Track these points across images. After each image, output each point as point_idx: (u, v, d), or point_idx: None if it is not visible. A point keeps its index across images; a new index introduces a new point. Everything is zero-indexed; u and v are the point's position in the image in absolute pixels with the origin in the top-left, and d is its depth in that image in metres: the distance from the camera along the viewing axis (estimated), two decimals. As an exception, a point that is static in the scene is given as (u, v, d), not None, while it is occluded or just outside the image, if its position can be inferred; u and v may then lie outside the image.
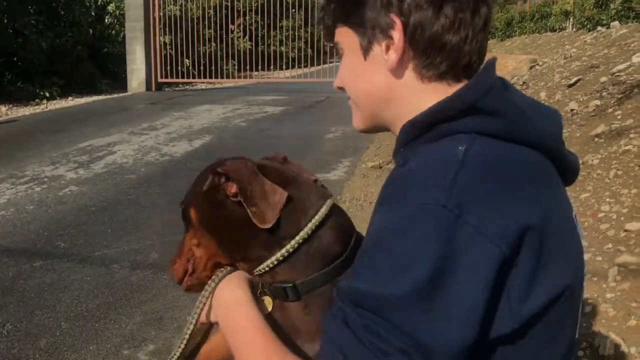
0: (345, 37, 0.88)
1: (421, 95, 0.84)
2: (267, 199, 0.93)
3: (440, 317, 0.66)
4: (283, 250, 0.94)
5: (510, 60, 8.49)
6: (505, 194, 0.72)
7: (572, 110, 4.94)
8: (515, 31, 17.47)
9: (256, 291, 1.00)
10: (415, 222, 0.69)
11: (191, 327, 1.01)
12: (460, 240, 0.67)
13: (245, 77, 15.13)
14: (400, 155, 0.85)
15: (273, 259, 0.95)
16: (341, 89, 0.95)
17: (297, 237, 0.94)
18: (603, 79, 5.30)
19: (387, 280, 0.68)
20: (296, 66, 15.34)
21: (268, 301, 1.00)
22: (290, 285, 0.95)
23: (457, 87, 0.82)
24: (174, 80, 12.95)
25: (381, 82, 0.86)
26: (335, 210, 1.00)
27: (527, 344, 0.74)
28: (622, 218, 2.86)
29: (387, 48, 0.83)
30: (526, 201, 0.73)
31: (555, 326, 0.76)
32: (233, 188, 0.95)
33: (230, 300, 0.96)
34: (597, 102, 4.76)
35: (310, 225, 0.94)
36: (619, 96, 4.58)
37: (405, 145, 0.84)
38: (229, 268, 1.02)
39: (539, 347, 0.76)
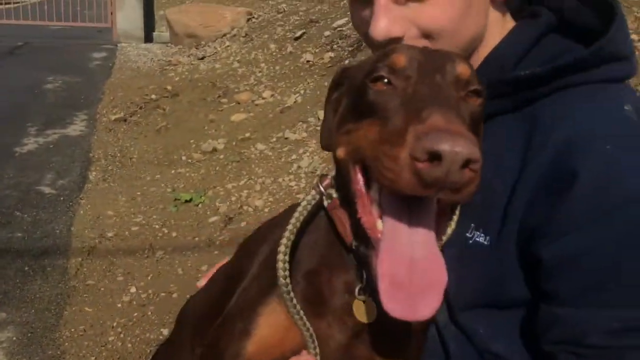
0: None
1: (501, 28, 0.78)
2: None
3: None
4: None
5: (227, 12, 8.56)
6: None
7: (308, 61, 5.34)
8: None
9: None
10: None
11: None
12: None
13: None
14: (505, 101, 0.76)
15: None
16: (427, 36, 0.75)
17: None
18: (327, 33, 5.83)
19: None
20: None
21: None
22: None
23: (509, 18, 0.79)
24: None
25: (483, 21, 0.76)
26: None
27: None
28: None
29: None
30: None
31: None
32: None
33: None
34: (331, 54, 5.24)
35: None
36: (350, 49, 5.13)
37: (508, 97, 0.75)
38: None
39: None
